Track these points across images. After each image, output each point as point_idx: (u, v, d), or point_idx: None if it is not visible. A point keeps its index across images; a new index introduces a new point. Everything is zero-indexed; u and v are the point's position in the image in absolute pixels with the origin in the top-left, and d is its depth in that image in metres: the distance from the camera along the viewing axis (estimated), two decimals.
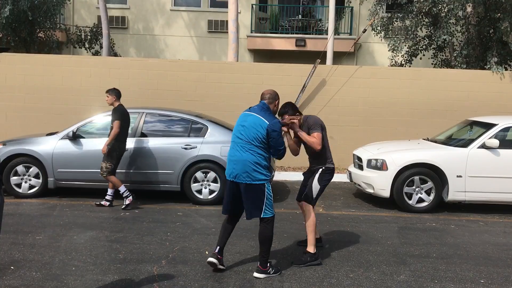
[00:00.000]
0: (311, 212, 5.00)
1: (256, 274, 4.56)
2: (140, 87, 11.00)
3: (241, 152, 4.51)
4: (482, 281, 4.65)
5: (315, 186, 5.05)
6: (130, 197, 7.11)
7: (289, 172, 10.37)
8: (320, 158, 5.09)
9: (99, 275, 4.50)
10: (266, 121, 4.50)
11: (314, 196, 5.05)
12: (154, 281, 4.37)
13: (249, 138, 4.50)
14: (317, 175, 5.07)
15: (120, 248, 5.29)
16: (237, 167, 4.50)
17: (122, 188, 7.09)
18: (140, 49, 17.26)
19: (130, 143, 7.49)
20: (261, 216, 4.54)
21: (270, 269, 4.60)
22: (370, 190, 7.60)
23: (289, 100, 11.60)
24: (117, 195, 7.25)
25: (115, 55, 15.90)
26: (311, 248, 4.93)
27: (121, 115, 7.10)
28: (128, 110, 7.87)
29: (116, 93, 7.28)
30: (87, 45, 15.81)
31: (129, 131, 7.54)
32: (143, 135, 7.61)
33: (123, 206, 7.07)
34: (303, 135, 5.01)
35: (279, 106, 4.93)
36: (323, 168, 5.08)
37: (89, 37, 15.80)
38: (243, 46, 16.60)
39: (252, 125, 4.51)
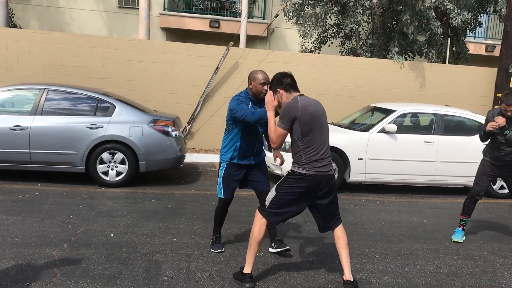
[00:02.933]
0: (256, 222, 3.96)
1: None
2: (42, 62, 10.33)
3: None
4: (377, 256, 4.99)
5: (271, 192, 3.95)
6: None
7: (201, 154, 10.35)
8: (293, 158, 3.90)
9: None
10: None
11: (267, 204, 3.94)
12: (54, 265, 4.19)
13: None
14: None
15: (17, 232, 4.99)
16: None
17: None
18: (43, 22, 16.15)
19: (30, 121, 7.05)
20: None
21: (211, 241, 4.90)
22: (279, 172, 7.82)
23: (206, 80, 11.48)
24: (4, 177, 6.80)
25: (15, 26, 14.76)
26: (245, 267, 4.01)
27: None
28: (29, 86, 7.40)
29: None
30: None
31: (29, 109, 7.10)
32: (44, 113, 7.18)
33: None
34: (269, 119, 3.89)
35: (258, 86, 4.45)
36: (288, 171, 3.93)
37: None
38: (156, 24, 16.16)
39: None
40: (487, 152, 5.63)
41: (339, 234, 4.03)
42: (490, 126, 5.32)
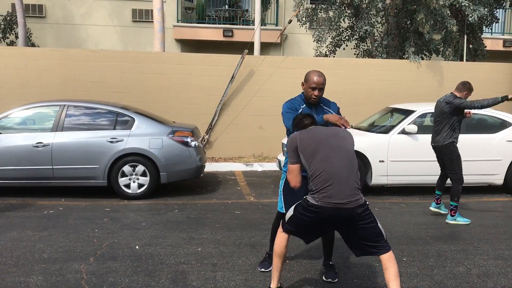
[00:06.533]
0: (278, 234, 3.78)
1: None
2: (61, 79, 10.49)
3: None
4: (404, 259, 4.91)
5: (291, 209, 3.75)
6: None
7: (220, 163, 10.37)
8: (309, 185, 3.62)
9: (21, 276, 4.26)
10: None
11: (286, 219, 3.74)
12: (82, 279, 4.22)
13: None
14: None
15: (44, 247, 5.05)
16: None
17: None
18: (60, 39, 16.43)
19: (51, 138, 7.15)
20: None
21: (263, 257, 4.66)
22: None
23: (222, 90, 11.52)
24: (29, 193, 6.90)
25: (33, 45, 15.06)
26: (271, 282, 3.83)
27: None
28: (49, 103, 7.52)
29: None
30: (0, 35, 14.83)
31: (50, 126, 7.21)
32: (65, 128, 7.27)
33: None
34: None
35: (308, 89, 4.08)
36: (304, 197, 3.66)
37: (2, 26, 14.82)
38: (170, 36, 16.29)
39: None
40: (456, 137, 6.27)
41: (386, 264, 3.52)
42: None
